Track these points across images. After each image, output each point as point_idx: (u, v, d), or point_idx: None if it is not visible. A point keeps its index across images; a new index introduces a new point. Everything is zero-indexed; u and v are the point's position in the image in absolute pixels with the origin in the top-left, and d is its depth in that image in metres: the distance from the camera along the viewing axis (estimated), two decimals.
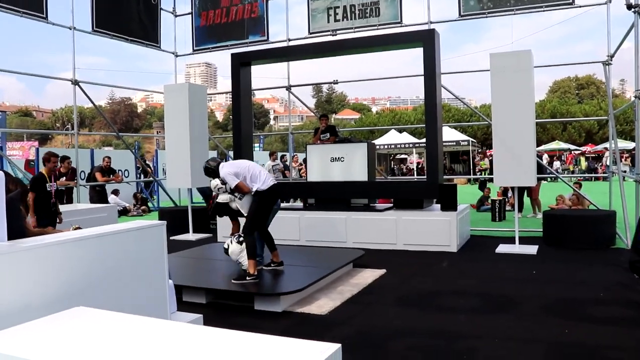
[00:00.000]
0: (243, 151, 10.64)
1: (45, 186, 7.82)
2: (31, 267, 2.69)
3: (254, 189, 6.59)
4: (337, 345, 1.87)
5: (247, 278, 6.33)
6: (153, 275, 3.59)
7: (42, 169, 8.07)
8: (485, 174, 21.70)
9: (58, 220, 8.01)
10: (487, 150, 33.25)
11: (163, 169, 17.76)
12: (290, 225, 9.65)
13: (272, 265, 6.93)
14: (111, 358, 1.89)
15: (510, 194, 13.99)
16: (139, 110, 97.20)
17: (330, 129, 11.31)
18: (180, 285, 6.02)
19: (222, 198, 7.09)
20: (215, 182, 7.00)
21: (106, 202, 13.59)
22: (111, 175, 13.48)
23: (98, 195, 13.48)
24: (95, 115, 63.68)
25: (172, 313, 3.91)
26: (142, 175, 19.36)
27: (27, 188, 3.87)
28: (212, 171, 6.76)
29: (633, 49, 7.50)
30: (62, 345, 2.04)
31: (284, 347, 1.94)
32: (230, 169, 6.61)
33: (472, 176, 25.89)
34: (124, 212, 15.95)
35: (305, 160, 13.46)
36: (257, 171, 6.69)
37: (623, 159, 21.55)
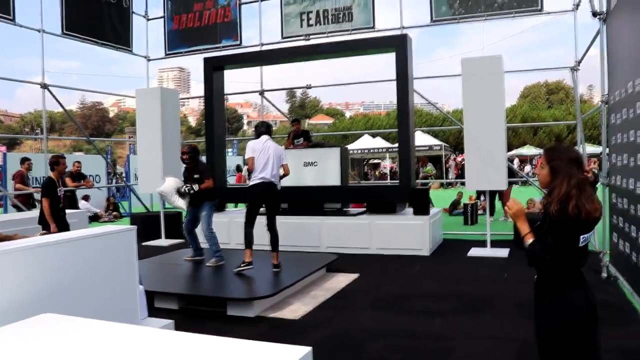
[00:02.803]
0: (215, 156, 10.58)
1: (57, 191, 7.61)
2: None
3: (250, 180, 7.20)
4: (308, 349, 1.87)
5: (242, 265, 6.95)
6: (123, 280, 3.55)
7: (51, 174, 7.75)
8: (431, 179, 21.74)
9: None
10: (456, 155, 33.54)
11: (135, 174, 17.56)
12: (263, 230, 9.57)
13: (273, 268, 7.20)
14: None
15: (483, 198, 14.15)
16: (111, 115, 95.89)
17: (303, 133, 11.33)
18: (151, 291, 5.95)
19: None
20: None
21: (76, 207, 13.37)
22: (82, 181, 13.27)
23: (68, 201, 13.20)
24: (66, 119, 62.69)
25: (142, 319, 3.87)
26: (113, 181, 19.13)
27: None
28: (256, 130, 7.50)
29: (599, 55, 7.66)
30: (27, 354, 2.00)
31: (256, 350, 1.93)
32: (254, 145, 7.18)
33: (444, 180, 26.12)
34: (95, 218, 15.72)
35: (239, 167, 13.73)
36: (262, 163, 7.10)
37: (592, 163, 21.95)
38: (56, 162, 7.69)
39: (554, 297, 2.63)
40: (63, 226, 7.51)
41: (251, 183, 7.17)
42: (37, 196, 12.35)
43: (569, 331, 2.59)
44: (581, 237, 2.55)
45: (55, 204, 7.49)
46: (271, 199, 7.28)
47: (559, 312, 2.60)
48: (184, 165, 8.15)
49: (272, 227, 7.29)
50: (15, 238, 3.42)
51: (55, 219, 7.43)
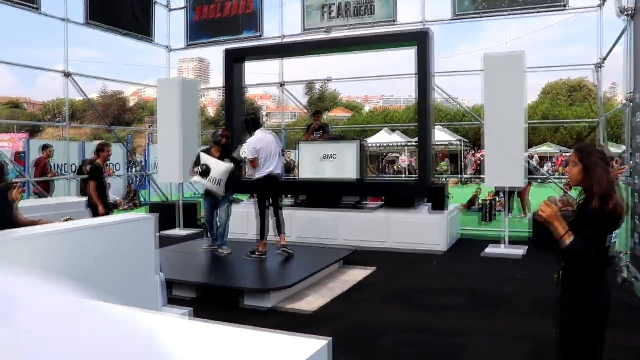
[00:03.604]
0: (235, 147, 10.63)
1: (102, 176, 7.86)
2: (21, 257, 2.69)
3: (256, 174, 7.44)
4: (327, 340, 1.89)
5: (257, 253, 7.30)
6: (143, 268, 3.61)
7: (97, 160, 8.03)
8: (446, 175, 21.60)
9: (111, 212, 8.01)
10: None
11: (154, 163, 17.71)
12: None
13: (279, 249, 7.46)
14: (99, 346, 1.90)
15: (500, 195, 14.03)
16: (131, 104, 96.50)
17: (322, 126, 11.33)
18: (169, 280, 6.02)
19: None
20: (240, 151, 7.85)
21: None
22: None
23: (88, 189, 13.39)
24: (86, 108, 63.19)
25: (161, 307, 3.92)
26: (132, 169, 19.34)
27: (8, 179, 3.87)
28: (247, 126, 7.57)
29: (624, 53, 7.56)
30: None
31: (273, 341, 1.95)
32: (256, 143, 7.29)
33: (462, 176, 25.95)
34: (114, 206, 15.87)
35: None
36: (268, 159, 7.31)
37: (614, 162, 21.72)
38: (101, 149, 8.10)
39: (576, 295, 2.65)
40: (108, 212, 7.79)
41: (257, 176, 7.44)
42: (56, 182, 12.53)
43: (583, 329, 2.62)
44: (608, 235, 2.58)
45: (101, 188, 7.77)
46: (275, 191, 7.59)
47: (578, 310, 2.63)
48: (200, 151, 8.35)
49: (277, 214, 7.60)
50: (39, 223, 3.49)
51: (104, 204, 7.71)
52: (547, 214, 2.73)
